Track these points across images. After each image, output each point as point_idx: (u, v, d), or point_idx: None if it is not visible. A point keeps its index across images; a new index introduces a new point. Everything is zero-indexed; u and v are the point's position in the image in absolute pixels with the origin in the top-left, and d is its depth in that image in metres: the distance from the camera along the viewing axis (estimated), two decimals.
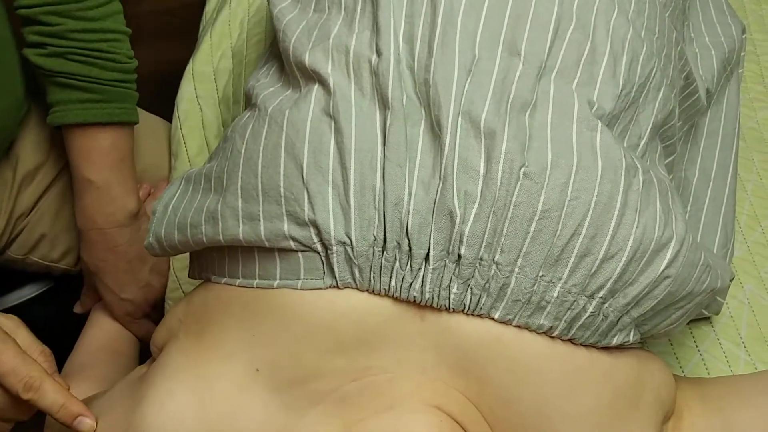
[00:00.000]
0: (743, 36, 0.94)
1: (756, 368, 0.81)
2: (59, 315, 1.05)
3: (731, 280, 0.77)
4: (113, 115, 0.87)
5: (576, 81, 0.62)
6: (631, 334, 0.61)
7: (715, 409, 0.67)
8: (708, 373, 0.81)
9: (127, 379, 0.69)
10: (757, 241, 0.90)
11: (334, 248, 0.57)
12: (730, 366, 0.82)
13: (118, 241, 0.91)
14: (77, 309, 1.03)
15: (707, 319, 0.84)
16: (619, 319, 0.59)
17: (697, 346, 0.83)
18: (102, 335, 0.97)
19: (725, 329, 0.84)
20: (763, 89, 1.02)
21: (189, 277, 0.71)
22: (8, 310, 1.01)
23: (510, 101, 0.59)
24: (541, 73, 0.61)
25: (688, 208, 0.85)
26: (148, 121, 1.05)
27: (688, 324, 0.84)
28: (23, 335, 0.66)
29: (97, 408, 0.67)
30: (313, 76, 0.63)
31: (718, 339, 0.83)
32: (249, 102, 0.70)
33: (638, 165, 0.60)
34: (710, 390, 0.70)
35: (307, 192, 0.58)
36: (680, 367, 0.82)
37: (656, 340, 0.82)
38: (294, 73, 0.66)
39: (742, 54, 0.96)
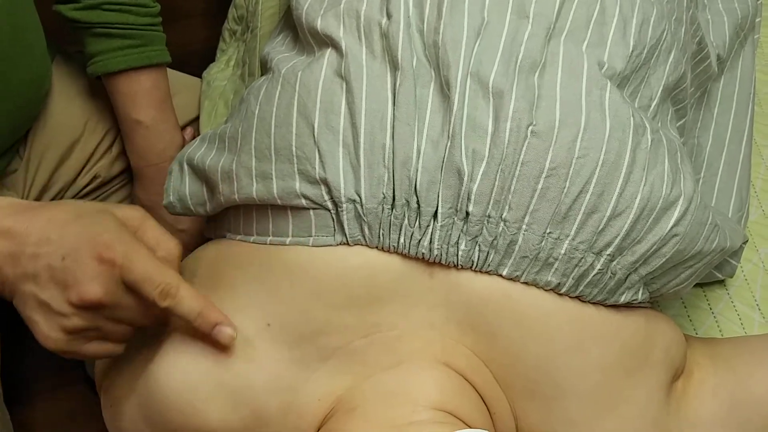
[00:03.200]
0: (758, 1, 0.94)
1: None
2: None
3: (745, 243, 0.78)
4: (152, 58, 0.92)
5: (586, 42, 0.63)
6: (640, 292, 0.62)
7: (727, 368, 0.68)
8: (722, 335, 0.82)
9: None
10: None
11: (344, 206, 0.59)
12: (744, 328, 0.82)
13: None
14: None
15: (721, 281, 0.85)
16: (627, 277, 0.60)
17: (711, 308, 0.84)
18: None
19: (740, 292, 0.84)
20: None
21: (205, 235, 0.73)
22: None
23: (519, 62, 0.60)
24: (551, 34, 0.62)
25: (702, 174, 0.85)
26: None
27: (702, 287, 0.84)
28: (152, 229, 0.61)
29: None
30: (326, 41, 0.65)
31: (732, 301, 0.84)
32: (264, 67, 0.72)
33: (647, 125, 0.61)
34: (722, 349, 0.71)
35: (318, 151, 0.59)
36: (694, 329, 0.82)
37: (669, 302, 0.83)
38: (307, 39, 0.68)
39: (758, 20, 0.96)
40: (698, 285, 0.84)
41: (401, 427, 0.57)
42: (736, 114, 0.88)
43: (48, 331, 0.57)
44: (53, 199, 1.00)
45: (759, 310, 0.83)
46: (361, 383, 0.60)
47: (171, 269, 0.59)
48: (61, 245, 0.56)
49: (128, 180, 1.07)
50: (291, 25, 0.76)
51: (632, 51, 0.64)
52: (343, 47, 0.62)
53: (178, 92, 1.04)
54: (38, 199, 0.98)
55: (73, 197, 1.02)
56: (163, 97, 0.95)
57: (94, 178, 1.02)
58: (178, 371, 0.61)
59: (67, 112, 0.99)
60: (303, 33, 0.69)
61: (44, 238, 0.57)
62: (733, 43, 0.89)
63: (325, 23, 0.65)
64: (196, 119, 1.09)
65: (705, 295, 0.84)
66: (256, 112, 0.64)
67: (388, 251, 0.59)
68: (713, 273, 0.81)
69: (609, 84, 0.61)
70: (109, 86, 0.93)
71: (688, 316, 0.83)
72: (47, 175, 0.98)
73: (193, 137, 1.05)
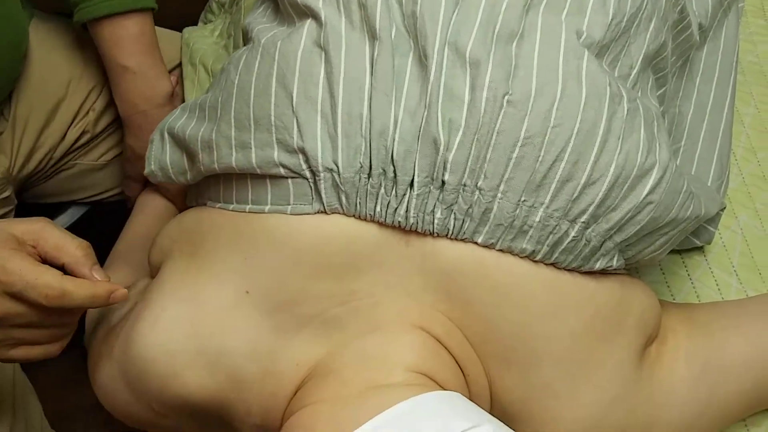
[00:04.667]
0: None
1: (747, 295, 0.82)
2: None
3: (722, 210, 0.79)
4: (137, 2, 0.91)
5: (565, 11, 0.63)
6: (615, 259, 0.63)
7: (701, 333, 0.70)
8: (699, 301, 0.82)
9: (133, 292, 0.73)
10: (753, 173, 0.91)
11: (322, 175, 0.60)
12: (721, 294, 0.83)
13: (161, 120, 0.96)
14: (128, 191, 1.07)
15: (700, 248, 0.86)
16: (602, 244, 0.61)
17: (689, 274, 0.85)
18: (149, 221, 0.98)
19: (718, 258, 0.85)
20: (764, 23, 1.02)
21: (187, 203, 0.73)
22: None
23: (496, 32, 0.60)
24: (529, 4, 0.63)
25: (682, 143, 0.86)
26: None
27: (680, 253, 0.85)
28: (51, 235, 0.63)
29: None
30: (306, 12, 0.65)
31: (710, 268, 0.85)
32: (246, 38, 0.72)
33: (624, 93, 0.61)
34: (698, 315, 0.73)
35: (297, 120, 0.60)
36: (672, 295, 0.84)
37: (648, 269, 0.84)
38: (288, 10, 0.68)
39: None
40: (676, 251, 0.85)
41: (376, 389, 0.58)
42: (718, 83, 0.89)
43: None
44: (44, 157, 1.01)
45: (736, 275, 0.84)
46: (339, 349, 0.62)
47: (48, 271, 0.60)
48: None
49: (116, 129, 1.08)
50: None
51: (612, 20, 0.64)
52: (323, 17, 0.63)
53: (159, 40, 1.05)
54: (27, 160, 0.99)
55: (63, 154, 1.03)
56: (150, 42, 0.95)
57: (82, 134, 1.03)
58: (157, 337, 0.63)
59: (50, 72, 0.99)
60: (283, 4, 0.69)
61: None
62: (716, 12, 0.89)
63: None
64: (178, 66, 1.10)
65: (683, 262, 0.85)
66: (236, 81, 0.65)
67: (365, 220, 0.60)
68: (691, 239, 0.82)
69: (587, 53, 0.61)
70: (95, 34, 0.93)
71: (666, 282, 0.84)
72: (34, 136, 0.99)
73: (177, 83, 1.06)
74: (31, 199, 1.07)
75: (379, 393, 0.57)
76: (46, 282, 0.59)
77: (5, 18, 0.88)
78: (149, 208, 0.99)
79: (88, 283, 0.62)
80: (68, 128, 1.02)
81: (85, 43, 1.03)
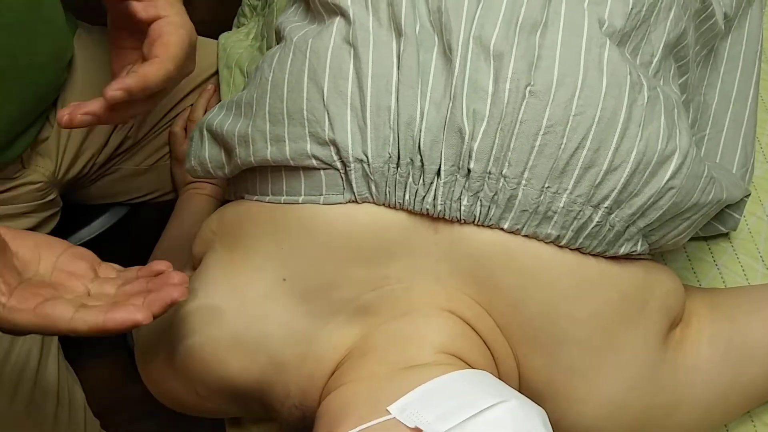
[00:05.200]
0: None
1: None
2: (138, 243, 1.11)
3: (747, 197, 0.80)
4: None
5: (587, 0, 0.65)
6: (639, 244, 0.65)
7: (725, 317, 0.71)
8: (725, 286, 0.84)
9: None
10: None
11: (352, 165, 0.62)
12: (747, 279, 0.85)
13: None
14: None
15: (725, 235, 0.87)
16: (626, 229, 0.63)
17: (714, 260, 0.86)
18: (189, 220, 0.99)
19: (743, 244, 0.87)
20: None
21: (225, 198, 0.76)
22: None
23: (519, 23, 0.62)
24: None
25: (707, 131, 0.87)
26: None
27: (706, 240, 0.87)
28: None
29: None
30: (335, 10, 0.68)
31: (736, 254, 0.86)
32: (278, 37, 0.75)
33: (644, 82, 0.63)
34: (722, 299, 0.74)
35: (328, 114, 0.63)
36: (698, 281, 0.85)
37: (674, 255, 0.86)
38: (318, 9, 0.71)
39: None
40: (702, 238, 0.87)
41: (409, 369, 0.60)
42: (742, 72, 0.90)
43: None
44: (88, 161, 1.04)
45: (762, 261, 0.85)
46: (372, 331, 0.64)
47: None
48: None
49: (158, 134, 1.10)
50: None
51: (632, 8, 0.65)
52: (351, 15, 0.66)
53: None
54: (72, 164, 1.02)
55: (106, 159, 1.06)
56: None
57: (125, 139, 1.06)
58: (201, 325, 0.66)
59: (93, 80, 1.02)
60: (314, 3, 0.72)
61: None
62: (741, 2, 0.90)
63: None
64: (215, 74, 1.12)
65: (709, 248, 0.87)
66: (270, 78, 0.67)
67: (395, 208, 0.62)
68: (717, 226, 0.83)
69: (608, 42, 0.63)
70: None
71: (692, 268, 0.86)
72: (79, 141, 1.02)
73: (215, 91, 1.09)
74: (75, 201, 1.11)
75: (411, 372, 0.60)
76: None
77: (49, 31, 0.91)
78: (189, 208, 1.03)
79: (99, 318, 0.56)
80: (111, 134, 1.05)
81: None
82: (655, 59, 0.68)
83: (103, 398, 1.26)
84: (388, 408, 0.54)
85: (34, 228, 1.00)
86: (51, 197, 1.02)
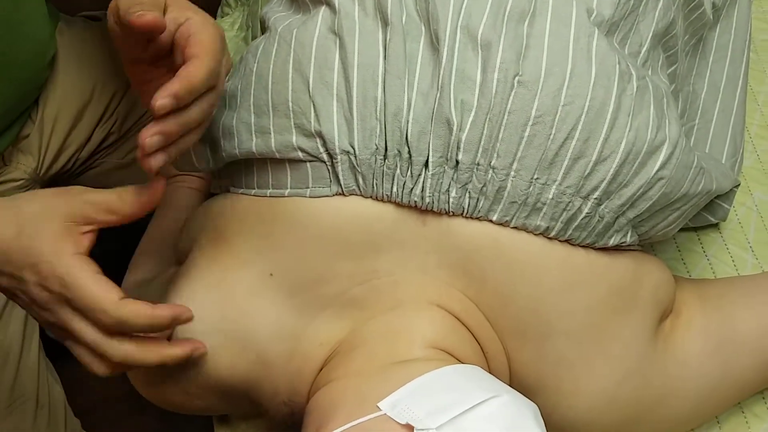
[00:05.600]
0: None
1: (763, 270, 0.84)
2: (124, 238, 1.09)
3: (737, 187, 0.80)
4: None
5: None
6: (629, 235, 0.64)
7: (715, 307, 0.71)
8: (715, 277, 0.84)
9: (160, 280, 0.75)
10: (767, 150, 0.92)
11: (339, 157, 0.61)
12: (737, 269, 0.84)
13: None
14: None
15: (715, 225, 0.87)
16: (615, 220, 0.63)
17: (704, 251, 0.86)
18: (173, 215, 0.97)
19: (733, 235, 0.87)
20: None
21: (211, 191, 0.75)
22: None
23: (507, 12, 0.62)
24: None
25: (696, 121, 0.87)
26: None
27: (695, 230, 0.86)
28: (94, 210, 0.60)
29: None
30: (321, 0, 0.67)
31: (725, 244, 0.86)
32: (263, 27, 0.74)
33: (633, 71, 0.62)
34: (711, 289, 0.74)
35: (314, 105, 0.62)
36: (687, 272, 0.85)
37: (664, 246, 0.86)
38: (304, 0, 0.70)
39: None
40: (692, 228, 0.86)
41: (399, 364, 0.60)
42: (731, 62, 0.89)
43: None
44: (71, 158, 1.03)
45: (752, 251, 0.85)
46: (360, 326, 0.63)
47: (110, 294, 0.57)
48: (9, 265, 0.58)
49: (141, 128, 1.09)
50: None
51: None
52: (336, 4, 0.65)
53: None
54: (54, 160, 1.01)
55: (90, 155, 1.05)
56: None
57: (108, 134, 1.06)
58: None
59: (76, 76, 1.02)
60: None
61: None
62: None
63: None
64: None
65: (699, 239, 0.86)
66: (254, 69, 0.67)
67: (382, 200, 0.62)
68: (706, 217, 0.82)
69: (597, 31, 0.62)
70: None
71: (682, 259, 0.85)
72: (61, 138, 1.01)
73: None
74: None
75: (401, 367, 0.59)
76: (102, 307, 0.57)
77: (32, 30, 0.90)
78: (174, 201, 1.02)
79: (148, 311, 0.58)
80: (94, 130, 1.04)
81: (109, 45, 1.06)
82: (644, 49, 0.67)
83: (84, 397, 1.25)
84: (378, 404, 0.53)
85: None
86: None
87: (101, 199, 0.59)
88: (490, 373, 0.64)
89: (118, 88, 1.05)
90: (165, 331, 0.63)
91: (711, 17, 0.83)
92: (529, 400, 0.57)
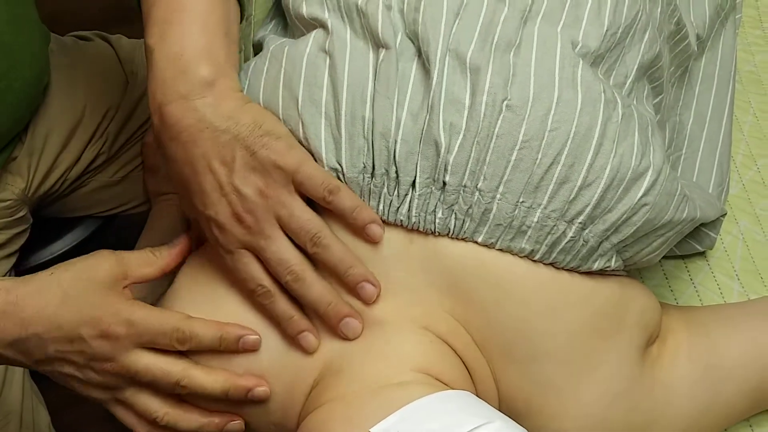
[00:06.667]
0: None
1: (749, 299, 0.84)
2: None
3: (723, 216, 0.80)
4: None
5: (561, 23, 0.66)
6: (613, 260, 0.65)
7: (701, 333, 0.71)
8: (701, 304, 0.84)
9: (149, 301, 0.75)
10: (753, 180, 0.93)
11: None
12: (723, 297, 0.84)
13: None
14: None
15: (702, 253, 0.87)
16: (599, 245, 0.63)
17: (691, 279, 0.86)
18: (163, 232, 0.99)
19: (719, 263, 0.87)
20: (761, 33, 1.04)
21: None
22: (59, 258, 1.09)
23: (495, 41, 0.63)
24: (526, 17, 0.65)
25: (683, 151, 0.87)
26: None
27: (682, 258, 0.87)
28: (136, 268, 0.64)
29: None
30: (313, 24, 0.68)
31: (712, 272, 0.86)
32: (256, 52, 0.75)
33: (618, 99, 0.63)
34: (698, 316, 0.74)
35: (302, 122, 0.63)
36: (675, 299, 0.85)
37: (651, 273, 0.86)
38: (296, 24, 0.71)
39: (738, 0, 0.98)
40: (679, 256, 0.87)
41: (388, 388, 0.59)
42: (717, 92, 0.91)
43: (85, 392, 0.63)
44: (60, 178, 1.03)
45: (738, 280, 0.85)
46: (346, 346, 0.63)
47: (175, 313, 0.62)
48: (61, 331, 0.60)
49: (132, 146, 1.09)
50: (281, 12, 0.79)
51: (606, 30, 0.66)
52: (329, 26, 0.66)
53: None
54: (43, 181, 1.01)
55: (78, 175, 1.05)
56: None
57: (98, 155, 1.05)
58: None
59: (67, 98, 1.02)
60: (291, 20, 0.72)
61: (43, 329, 0.60)
62: (714, 23, 0.91)
63: (310, 9, 0.69)
64: None
65: (686, 266, 0.87)
66: (246, 87, 0.67)
67: None
68: (693, 245, 0.83)
69: (581, 62, 0.63)
70: None
71: (669, 287, 0.86)
72: (51, 159, 1.01)
73: None
74: (47, 214, 1.10)
75: (391, 391, 0.59)
76: (173, 324, 0.61)
77: (29, 57, 0.90)
78: (161, 219, 1.01)
79: (214, 322, 0.62)
80: (84, 150, 1.04)
81: (100, 66, 1.06)
82: (629, 80, 0.68)
83: (70, 417, 1.23)
84: (370, 430, 0.53)
85: (2, 245, 0.98)
86: (20, 214, 1.00)
87: (137, 255, 0.64)
88: (478, 396, 0.63)
89: (109, 109, 1.05)
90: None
91: (695, 49, 0.84)
92: (520, 427, 0.56)
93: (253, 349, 0.63)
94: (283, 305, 0.62)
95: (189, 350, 0.62)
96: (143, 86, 1.05)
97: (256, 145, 0.60)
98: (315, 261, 0.62)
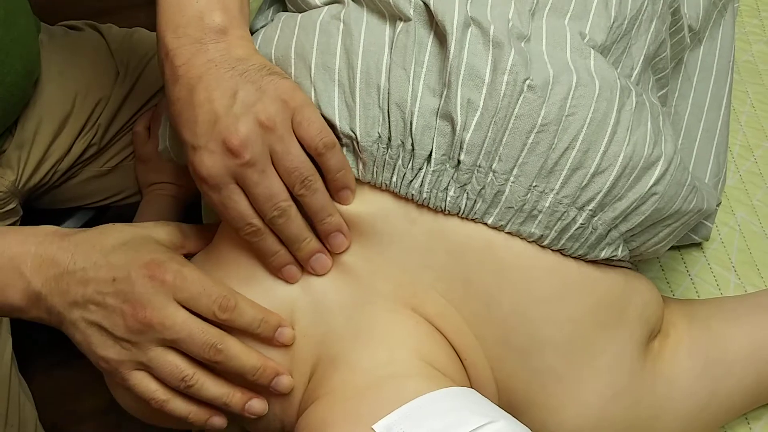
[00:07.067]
0: None
1: (746, 290, 0.84)
2: None
3: (718, 206, 0.80)
4: None
5: (569, 15, 0.65)
6: (620, 249, 0.64)
7: (702, 327, 0.71)
8: (698, 296, 0.84)
9: None
10: (750, 170, 0.93)
11: (343, 140, 0.62)
12: (720, 289, 0.85)
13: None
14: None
15: (698, 245, 0.87)
16: (608, 233, 0.63)
17: (688, 270, 0.86)
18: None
19: (716, 254, 0.87)
20: (758, 22, 1.04)
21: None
22: None
23: (510, 27, 0.62)
24: (534, 9, 0.64)
25: (680, 141, 0.87)
26: None
27: (679, 249, 0.87)
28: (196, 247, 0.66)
29: None
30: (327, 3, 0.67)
31: (708, 264, 0.86)
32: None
33: (632, 87, 0.63)
34: (698, 310, 0.74)
35: (315, 89, 0.62)
36: (671, 292, 0.85)
37: (648, 265, 0.86)
38: (302, 8, 0.70)
39: None
40: (675, 248, 0.87)
41: (388, 380, 0.59)
42: (715, 82, 0.90)
43: (102, 351, 0.59)
44: (50, 170, 1.02)
45: (735, 271, 0.86)
46: (337, 325, 0.63)
47: (224, 284, 0.61)
48: (110, 269, 0.59)
49: (121, 136, 1.09)
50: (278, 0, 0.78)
51: (613, 22, 0.66)
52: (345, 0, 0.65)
53: None
54: (33, 173, 1.00)
55: (69, 166, 1.04)
56: None
57: (89, 146, 1.04)
58: None
59: (57, 88, 1.01)
60: (297, 5, 0.71)
61: (91, 263, 0.59)
62: (709, 14, 0.90)
63: None
64: None
65: (682, 258, 0.87)
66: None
67: (380, 188, 0.62)
68: (690, 236, 0.83)
69: (592, 51, 0.63)
70: None
71: (666, 278, 0.86)
72: (41, 151, 1.00)
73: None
74: (37, 206, 1.08)
75: (388, 384, 0.58)
76: (220, 291, 0.60)
77: (21, 51, 0.89)
78: (152, 210, 1.00)
79: (260, 306, 0.62)
80: (74, 141, 1.03)
81: (90, 56, 1.04)
82: (635, 72, 0.68)
83: (56, 412, 1.22)
84: (372, 427, 0.52)
85: None
86: (11, 206, 0.99)
87: (193, 227, 0.67)
88: (472, 385, 0.63)
89: (100, 99, 1.04)
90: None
91: (689, 41, 0.84)
92: (524, 426, 0.56)
93: (286, 344, 0.62)
94: (270, 241, 0.61)
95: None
96: (135, 76, 1.04)
97: (263, 80, 0.59)
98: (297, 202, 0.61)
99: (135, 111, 1.07)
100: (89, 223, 1.12)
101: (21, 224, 1.03)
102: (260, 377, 0.61)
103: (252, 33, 0.74)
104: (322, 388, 0.61)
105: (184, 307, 0.59)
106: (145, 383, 0.60)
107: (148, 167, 1.07)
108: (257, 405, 0.62)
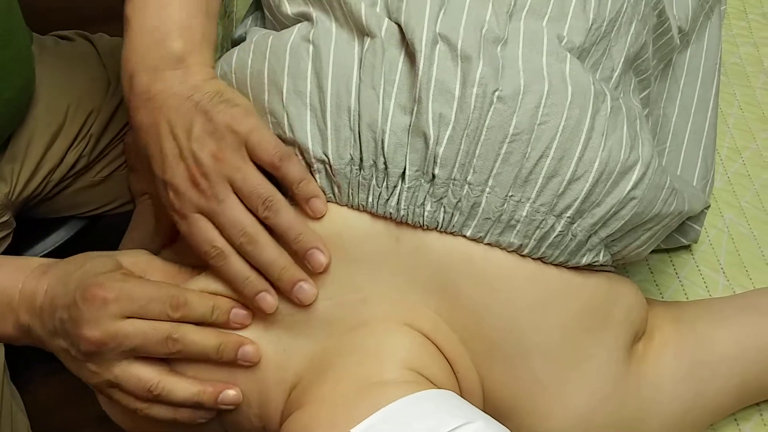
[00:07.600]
0: None
1: (734, 292, 0.84)
2: None
3: (707, 209, 0.80)
4: None
5: (547, 17, 0.65)
6: (601, 254, 0.64)
7: (688, 329, 0.71)
8: (687, 298, 0.84)
9: None
10: (738, 172, 0.93)
11: (315, 166, 0.62)
12: (709, 291, 0.84)
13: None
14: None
15: (687, 247, 0.87)
16: (588, 239, 0.63)
17: (676, 273, 0.86)
18: (146, 231, 0.99)
19: (705, 257, 0.87)
20: (745, 24, 1.04)
21: None
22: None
23: (483, 33, 0.62)
24: (511, 11, 0.64)
25: (668, 144, 0.87)
26: None
27: (667, 252, 0.87)
28: (160, 271, 0.65)
29: None
30: (299, 18, 0.67)
31: (697, 266, 0.86)
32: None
33: (607, 92, 0.63)
34: (684, 311, 0.74)
35: (287, 114, 0.62)
36: (660, 294, 0.85)
37: (636, 268, 0.86)
38: (281, 21, 0.70)
39: None
40: (664, 250, 0.87)
41: (371, 387, 0.59)
42: (702, 84, 0.90)
43: (79, 374, 0.62)
44: (42, 181, 1.02)
45: (724, 273, 0.86)
46: (328, 345, 0.63)
47: (169, 283, 0.63)
48: (66, 297, 0.60)
49: (113, 147, 1.09)
50: (259, 7, 0.78)
51: (592, 24, 0.66)
52: (314, 17, 0.65)
53: None
54: (26, 185, 1.01)
55: (61, 178, 1.04)
56: None
57: (80, 158, 1.04)
58: None
59: (49, 101, 1.01)
60: (274, 17, 0.71)
61: (57, 293, 0.61)
62: (698, 15, 0.91)
63: (294, 5, 0.68)
64: None
65: (671, 260, 0.87)
66: (233, 80, 0.67)
67: (358, 209, 0.62)
68: (678, 238, 0.83)
69: (568, 55, 0.63)
70: None
71: (654, 281, 0.86)
72: (34, 163, 1.00)
73: None
74: (30, 216, 1.09)
75: (373, 391, 0.58)
76: (167, 291, 0.61)
77: (19, 68, 0.89)
78: (144, 219, 1.00)
79: (209, 296, 0.63)
80: (66, 152, 1.03)
81: (82, 66, 1.05)
82: (615, 74, 0.68)
83: (57, 420, 1.22)
84: (351, 431, 0.53)
85: None
86: (4, 219, 1.00)
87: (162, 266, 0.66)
88: (461, 394, 0.63)
89: (92, 110, 1.04)
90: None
91: (678, 42, 0.84)
92: (503, 426, 0.56)
93: (244, 323, 0.63)
94: (238, 265, 0.61)
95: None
96: None
97: (214, 110, 0.61)
98: (266, 226, 0.61)
99: (126, 121, 1.08)
100: (81, 233, 1.13)
101: (14, 234, 1.03)
102: (224, 353, 0.61)
103: (232, 42, 0.75)
104: (305, 397, 0.61)
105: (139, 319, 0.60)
106: (122, 399, 0.62)
107: (140, 177, 1.07)
108: (230, 394, 0.62)
